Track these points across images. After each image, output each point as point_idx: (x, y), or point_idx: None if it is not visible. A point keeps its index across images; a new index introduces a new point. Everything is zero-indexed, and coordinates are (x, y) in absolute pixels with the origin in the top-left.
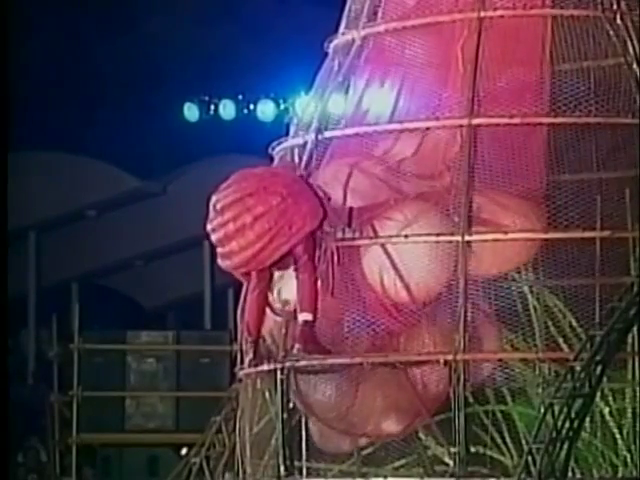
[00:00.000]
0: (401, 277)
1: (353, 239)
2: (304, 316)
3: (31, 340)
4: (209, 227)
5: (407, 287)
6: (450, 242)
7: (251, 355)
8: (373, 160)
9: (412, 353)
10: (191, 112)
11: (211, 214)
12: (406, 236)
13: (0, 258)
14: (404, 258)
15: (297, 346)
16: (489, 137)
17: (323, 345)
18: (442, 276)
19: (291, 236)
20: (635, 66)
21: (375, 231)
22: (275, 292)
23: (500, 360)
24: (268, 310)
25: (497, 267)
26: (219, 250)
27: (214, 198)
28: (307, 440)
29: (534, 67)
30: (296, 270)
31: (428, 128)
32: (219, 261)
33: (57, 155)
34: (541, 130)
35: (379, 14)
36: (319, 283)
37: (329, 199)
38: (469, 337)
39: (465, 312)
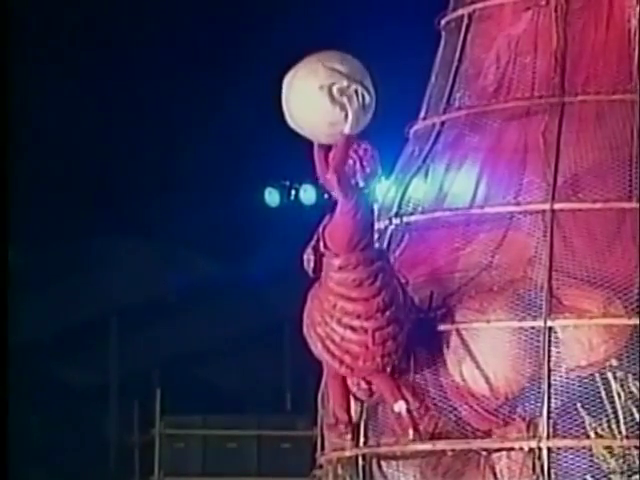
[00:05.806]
0: (479, 365)
1: (434, 324)
2: (399, 406)
3: (113, 426)
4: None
5: (486, 377)
6: (532, 328)
7: (349, 437)
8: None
9: (494, 439)
10: (272, 197)
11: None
12: (488, 321)
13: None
14: (482, 346)
15: (411, 432)
16: (576, 223)
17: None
18: (524, 366)
19: None
20: None
21: (454, 319)
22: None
23: (584, 447)
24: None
25: (585, 358)
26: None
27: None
28: None
29: (618, 151)
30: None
31: (510, 213)
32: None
33: (140, 240)
34: (632, 215)
35: (458, 99)
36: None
37: (407, 283)
38: None
39: (549, 398)
